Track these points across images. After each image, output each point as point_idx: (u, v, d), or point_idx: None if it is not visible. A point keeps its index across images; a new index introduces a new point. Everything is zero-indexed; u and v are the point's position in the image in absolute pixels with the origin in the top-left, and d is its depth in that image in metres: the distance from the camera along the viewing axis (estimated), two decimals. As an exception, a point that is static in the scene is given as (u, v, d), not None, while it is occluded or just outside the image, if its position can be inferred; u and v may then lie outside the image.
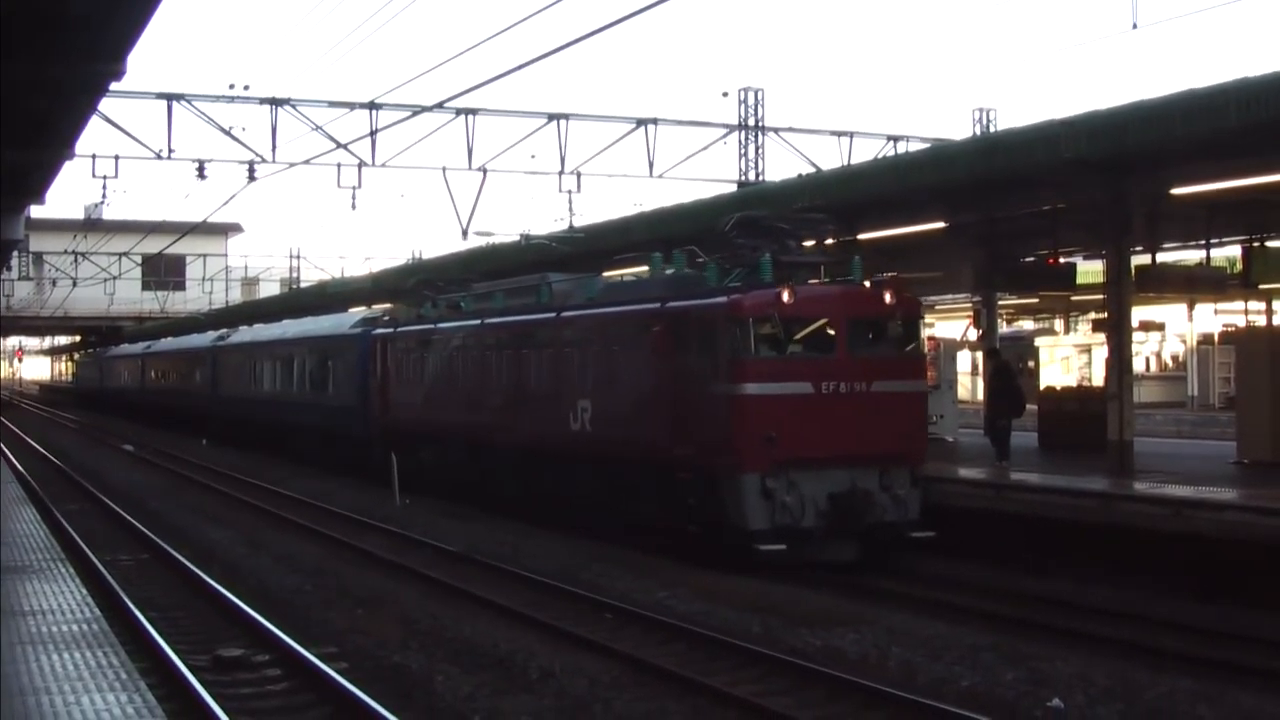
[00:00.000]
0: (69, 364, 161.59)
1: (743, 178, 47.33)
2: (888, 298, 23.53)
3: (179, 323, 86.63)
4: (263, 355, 54.49)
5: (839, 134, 44.56)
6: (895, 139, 45.15)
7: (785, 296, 22.45)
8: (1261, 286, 33.60)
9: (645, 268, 29.36)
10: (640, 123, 41.25)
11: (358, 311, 49.77)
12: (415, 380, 36.44)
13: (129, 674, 13.28)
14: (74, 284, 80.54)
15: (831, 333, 23.23)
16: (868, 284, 24.54)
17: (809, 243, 26.59)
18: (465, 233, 43.47)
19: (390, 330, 38.84)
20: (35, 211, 35.49)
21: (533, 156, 42.66)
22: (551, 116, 40.43)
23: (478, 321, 33.02)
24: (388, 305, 45.93)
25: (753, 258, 24.46)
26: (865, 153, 43.81)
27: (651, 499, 24.78)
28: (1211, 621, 18.32)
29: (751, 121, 49.00)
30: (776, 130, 45.89)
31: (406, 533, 28.02)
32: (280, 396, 51.31)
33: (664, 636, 18.07)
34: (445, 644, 17.58)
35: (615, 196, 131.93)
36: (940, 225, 29.22)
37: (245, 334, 61.93)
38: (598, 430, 26.65)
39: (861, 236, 30.63)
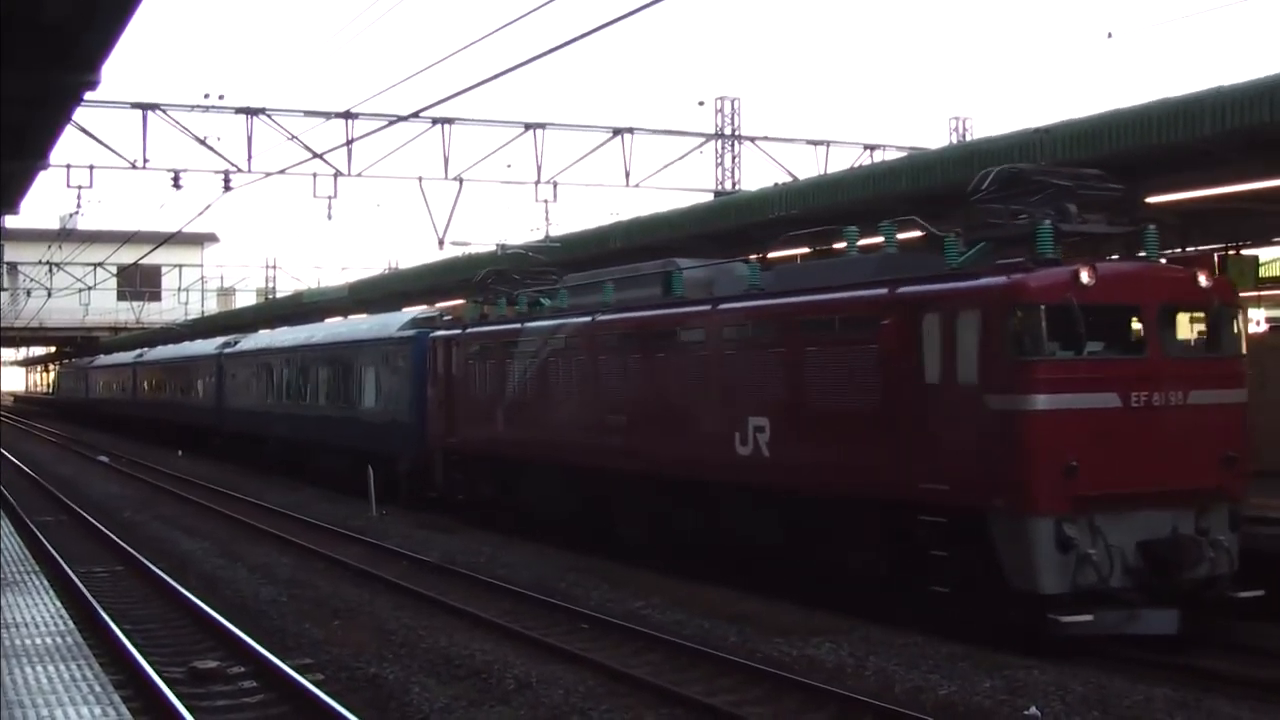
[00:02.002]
0: (46, 374, 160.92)
1: (719, 187, 47.41)
2: (1202, 280, 18.56)
3: (174, 329, 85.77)
4: (283, 363, 48.07)
5: (815, 143, 44.62)
6: (872, 148, 45.23)
7: (1084, 276, 17.24)
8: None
9: (796, 250, 26.06)
10: (616, 132, 41.28)
11: (407, 311, 42.30)
12: (493, 392, 30.20)
13: (103, 687, 13.25)
14: (49, 294, 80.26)
15: (1138, 326, 18.46)
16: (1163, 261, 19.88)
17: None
18: (441, 242, 43.50)
19: (456, 332, 32.91)
20: (9, 221, 35.43)
21: (509, 166, 42.46)
22: (528, 126, 40.46)
23: (586, 319, 26.75)
24: (443, 304, 40.52)
25: (1016, 227, 19.02)
26: (842, 162, 43.86)
27: (870, 547, 19.33)
28: None
29: (728, 130, 49.10)
30: (753, 139, 45.94)
31: (382, 544, 27.99)
32: (303, 410, 45.21)
33: (640, 646, 18.07)
34: (421, 655, 17.54)
35: (591, 206, 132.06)
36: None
37: (259, 339, 56.05)
38: (782, 456, 20.84)
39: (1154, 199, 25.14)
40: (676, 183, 73.67)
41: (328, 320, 52.98)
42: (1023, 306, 17.21)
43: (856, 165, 42.25)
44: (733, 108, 49.91)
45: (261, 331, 61.23)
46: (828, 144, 44.50)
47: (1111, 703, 14.37)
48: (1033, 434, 16.92)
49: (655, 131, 42.69)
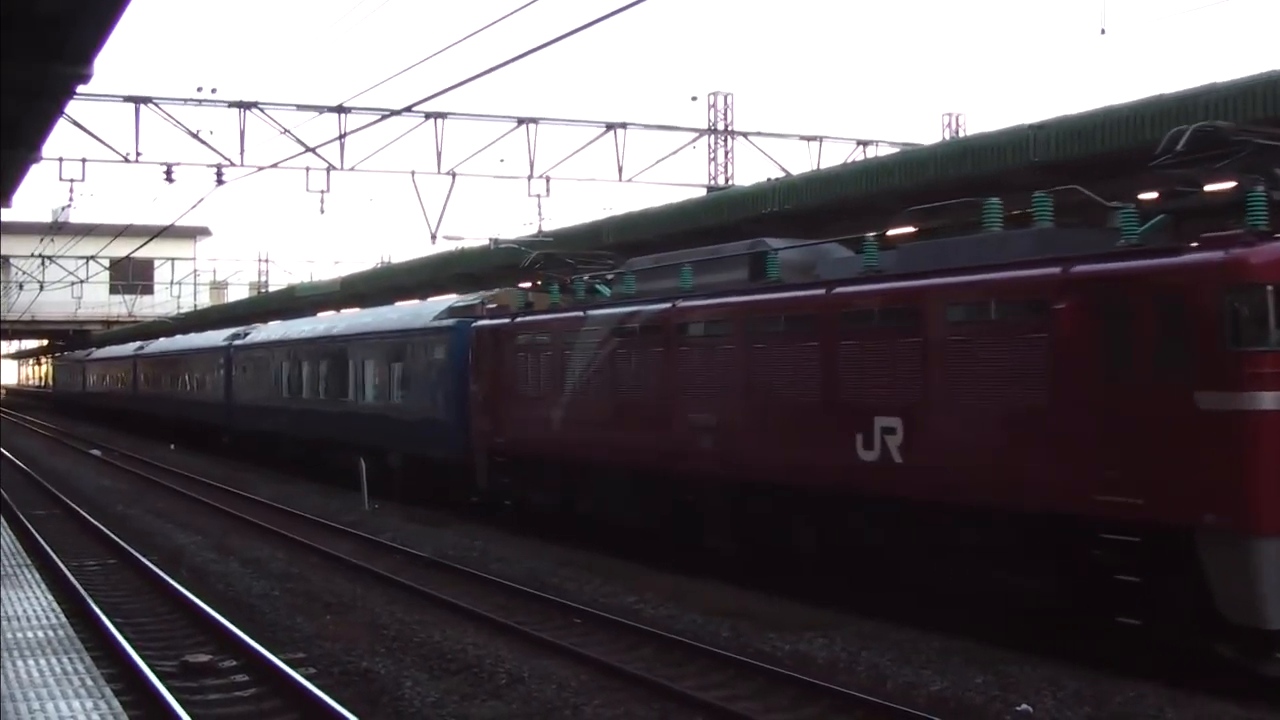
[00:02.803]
0: (38, 367, 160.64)
1: (712, 182, 47.41)
2: None
3: (180, 320, 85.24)
4: (302, 355, 45.18)
5: (808, 138, 44.60)
6: (865, 143, 45.21)
7: None
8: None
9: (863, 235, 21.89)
10: (609, 127, 41.20)
11: (442, 299, 38.77)
12: (550, 387, 27.23)
13: (95, 680, 13.24)
14: (41, 287, 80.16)
15: None
16: None
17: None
18: (434, 237, 43.43)
19: (504, 321, 29.74)
20: (1, 215, 35.32)
21: (501, 160, 42.38)
22: (521, 120, 40.39)
23: (663, 306, 23.75)
24: (482, 292, 35.96)
25: (1214, 196, 17.07)
26: (835, 157, 43.86)
27: (1033, 569, 16.75)
28: None
29: (721, 126, 49.10)
30: (746, 134, 45.91)
31: (375, 538, 27.97)
32: (325, 406, 42.32)
33: (632, 641, 18.07)
34: (413, 649, 17.54)
35: (584, 201, 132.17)
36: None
37: (274, 330, 52.47)
38: (918, 461, 18.08)
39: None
40: (669, 178, 73.60)
41: (346, 311, 49.75)
42: (1244, 287, 14.58)
43: (849, 161, 42.30)
44: (725, 103, 49.93)
45: (275, 322, 57.85)
46: (821, 139, 44.48)
47: (1103, 699, 14.38)
48: (1257, 438, 14.33)
49: (648, 126, 42.64)
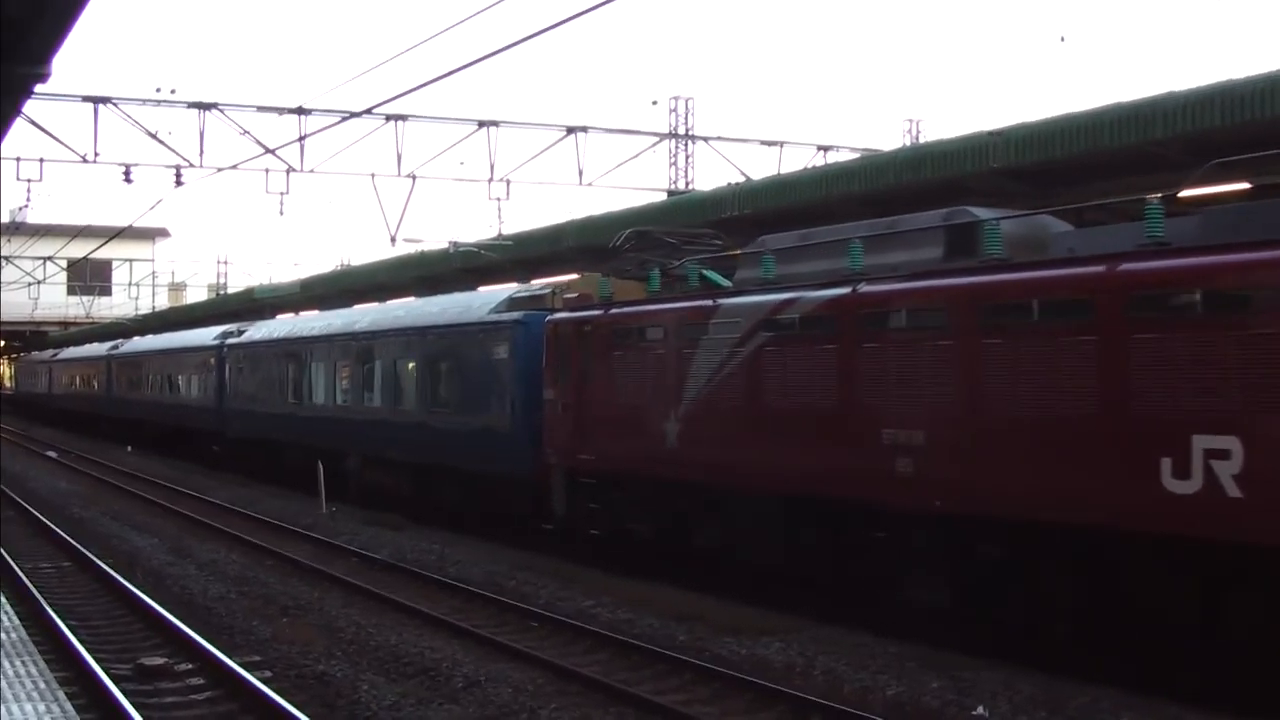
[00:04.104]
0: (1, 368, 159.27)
1: (672, 186, 47.47)
2: None
3: (155, 318, 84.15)
4: (316, 355, 39.84)
5: (769, 143, 44.68)
6: (825, 148, 45.31)
7: None
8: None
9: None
10: (570, 130, 41.20)
11: (495, 289, 33.45)
12: (663, 393, 22.36)
13: (48, 683, 13.17)
14: (-3, 288, 79.67)
15: None
16: None
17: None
18: (394, 239, 43.38)
19: (594, 313, 24.79)
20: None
21: (461, 163, 42.19)
22: (481, 123, 40.34)
23: (836, 292, 18.91)
24: (549, 280, 31.66)
25: None
26: (795, 162, 43.94)
27: None
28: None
29: (681, 130, 49.16)
30: (706, 139, 45.99)
31: (332, 541, 27.92)
32: (345, 413, 37.06)
33: (590, 645, 18.08)
34: (370, 652, 17.49)
35: (544, 205, 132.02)
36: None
37: (278, 327, 46.81)
38: (1271, 499, 13.47)
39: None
40: (630, 182, 73.67)
41: (364, 306, 43.74)
42: None
43: (810, 166, 42.42)
44: (686, 107, 49.97)
45: (280, 318, 52.83)
46: (781, 144, 44.56)
47: (1059, 703, 14.40)
48: None
49: (609, 130, 42.66)
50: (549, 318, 26.38)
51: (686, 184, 47.61)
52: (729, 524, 21.26)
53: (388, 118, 38.34)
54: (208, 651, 16.90)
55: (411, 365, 33.01)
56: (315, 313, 49.63)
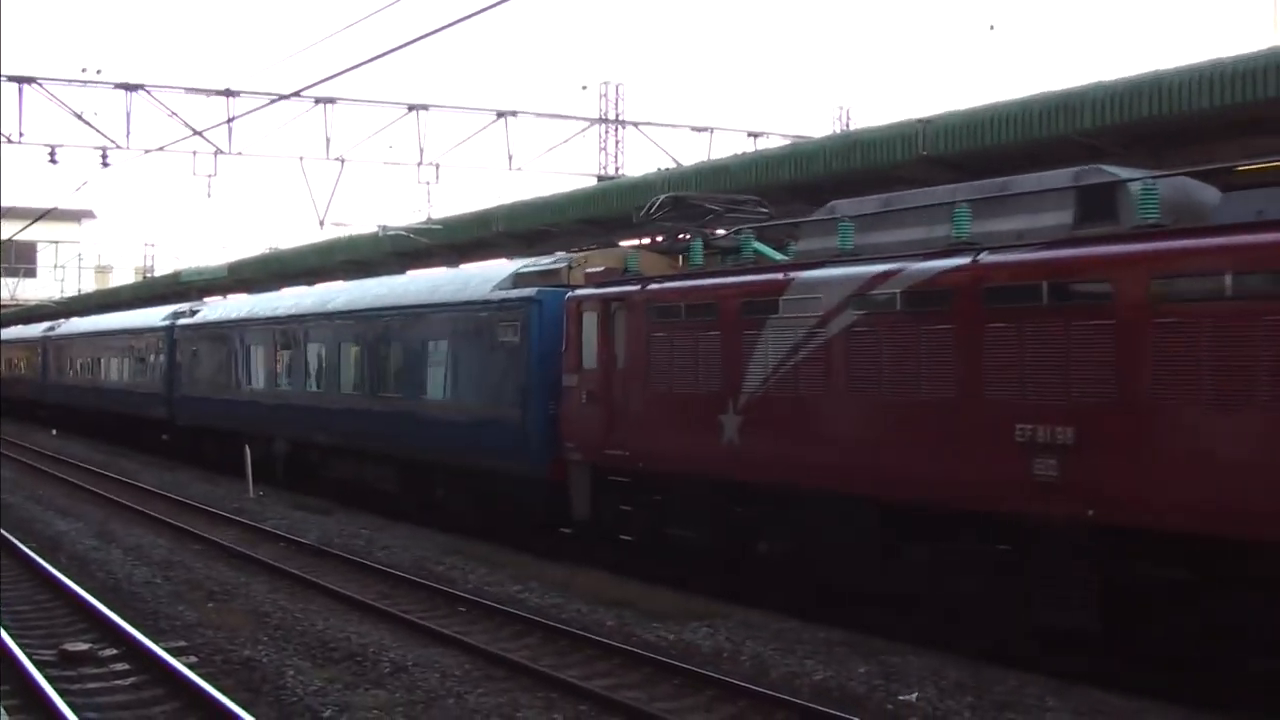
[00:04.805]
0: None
1: (602, 171, 47.49)
2: None
3: (108, 296, 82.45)
4: (283, 337, 36.20)
5: (699, 129, 44.75)
6: (755, 135, 45.42)
7: None
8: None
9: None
10: (500, 114, 41.15)
11: (495, 265, 30.75)
12: (716, 379, 19.69)
13: (-31, 669, 13.03)
14: (-82, 270, 78.79)
15: None
16: None
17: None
18: (322, 223, 43.21)
19: (628, 289, 21.91)
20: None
21: (390, 147, 41.96)
22: (411, 107, 40.25)
23: (950, 262, 16.29)
24: (562, 253, 27.58)
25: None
26: (726, 148, 44.00)
27: None
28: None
29: (611, 115, 49.16)
30: (636, 124, 46.02)
31: (259, 525, 27.75)
32: (317, 401, 33.63)
33: (518, 630, 18.04)
34: (297, 638, 17.40)
35: (474, 189, 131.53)
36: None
37: (237, 306, 42.78)
38: None
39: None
40: (560, 167, 73.49)
41: (345, 284, 39.22)
42: None
43: (740, 153, 42.52)
44: (616, 92, 49.98)
45: (237, 297, 50.06)
46: (711, 130, 44.64)
47: (986, 688, 14.49)
48: None
49: (539, 115, 42.63)
50: (570, 294, 23.34)
51: (616, 169, 47.62)
52: (804, 532, 18.52)
53: (317, 100, 38.21)
54: (132, 637, 16.74)
55: (399, 348, 29.71)
56: (283, 290, 46.34)
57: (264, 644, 16.96)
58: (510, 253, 37.11)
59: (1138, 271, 14.27)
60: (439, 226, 41.55)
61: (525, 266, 26.47)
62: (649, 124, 45.16)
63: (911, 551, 16.82)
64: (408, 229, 41.36)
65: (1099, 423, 14.36)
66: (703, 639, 17.07)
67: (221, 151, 38.63)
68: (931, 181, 20.99)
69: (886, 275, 17.05)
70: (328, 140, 39.29)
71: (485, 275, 27.75)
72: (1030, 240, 15.80)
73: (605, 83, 50.00)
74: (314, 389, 34.03)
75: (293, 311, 36.26)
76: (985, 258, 15.93)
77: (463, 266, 34.51)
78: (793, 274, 18.72)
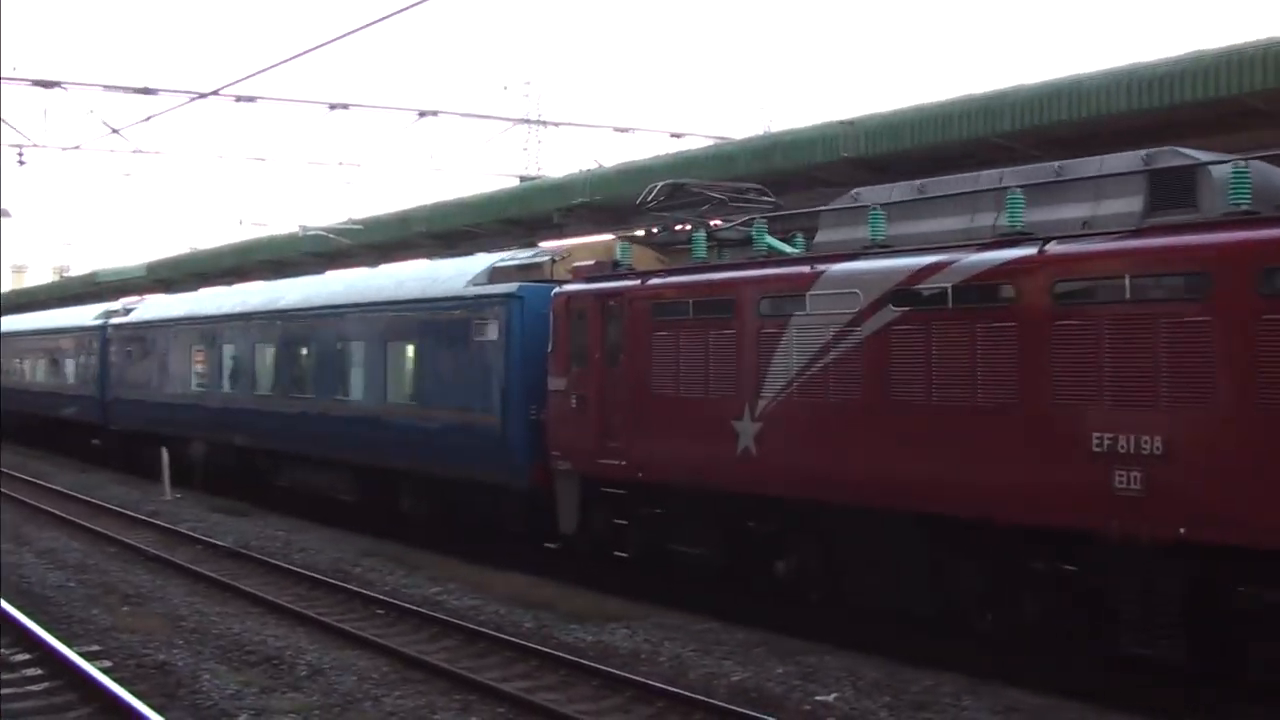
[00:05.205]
0: None
1: (524, 171, 47.48)
2: None
3: (8, 298, 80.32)
4: (230, 337, 34.11)
5: (621, 130, 44.74)
6: (678, 135, 45.43)
7: None
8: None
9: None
10: (421, 114, 40.99)
11: (470, 260, 26.93)
12: (731, 383, 18.09)
13: (-124, 675, 12.85)
14: None
15: None
16: None
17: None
18: (241, 222, 42.92)
19: (627, 284, 20.39)
20: None
21: (312, 146, 41.61)
22: (332, 106, 40.01)
23: (1022, 252, 14.78)
24: (548, 244, 27.29)
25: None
26: (648, 149, 44.01)
27: None
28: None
29: (533, 116, 49.17)
30: (558, 124, 46.00)
31: (176, 528, 27.53)
32: (269, 404, 31.63)
33: (435, 632, 17.96)
34: (212, 641, 17.26)
35: (395, 188, 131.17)
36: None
37: (176, 305, 40.37)
38: None
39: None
40: (481, 166, 73.44)
41: (294, 281, 36.61)
42: None
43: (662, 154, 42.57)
44: (538, 93, 49.97)
45: (177, 295, 46.24)
46: (633, 131, 44.63)
47: (902, 688, 14.56)
48: None
49: (461, 115, 42.51)
50: (558, 290, 21.78)
51: (538, 169, 47.61)
52: (835, 552, 17.26)
53: (237, 98, 37.89)
54: (45, 642, 16.57)
55: (361, 348, 27.82)
56: (232, 286, 44.23)
57: (179, 648, 16.83)
58: (431, 253, 36.99)
59: (1244, 263, 12.86)
60: (359, 227, 41.39)
61: (503, 260, 24.77)
62: (571, 124, 45.16)
63: (964, 572, 15.53)
64: (328, 229, 41.15)
65: (1195, 431, 12.97)
66: (621, 640, 17.06)
67: (140, 150, 38.27)
68: (855, 183, 20.91)
69: (935, 268, 15.54)
70: (247, 139, 39.05)
71: (458, 270, 25.81)
72: (1099, 229, 14.52)
73: (528, 83, 49.98)
74: (265, 392, 32.07)
75: (240, 309, 34.27)
76: (1054, 248, 14.49)
77: (435, 260, 32.34)
78: (822, 267, 17.06)
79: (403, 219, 39.94)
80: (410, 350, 26.03)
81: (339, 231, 40.97)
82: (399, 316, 26.39)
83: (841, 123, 25.12)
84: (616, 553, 20.53)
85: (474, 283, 24.26)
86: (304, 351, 30.34)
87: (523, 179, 45.43)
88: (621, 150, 44.69)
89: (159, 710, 13.52)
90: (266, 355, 32.16)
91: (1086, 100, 21.68)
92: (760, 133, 28.72)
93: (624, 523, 20.31)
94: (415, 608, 19.14)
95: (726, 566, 18.88)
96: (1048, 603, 14.60)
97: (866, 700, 14.17)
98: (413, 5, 15.79)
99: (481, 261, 25.39)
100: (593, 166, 37.81)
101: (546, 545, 22.44)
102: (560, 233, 30.58)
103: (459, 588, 20.65)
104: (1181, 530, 12.96)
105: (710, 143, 40.16)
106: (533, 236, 32.54)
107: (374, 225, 41.47)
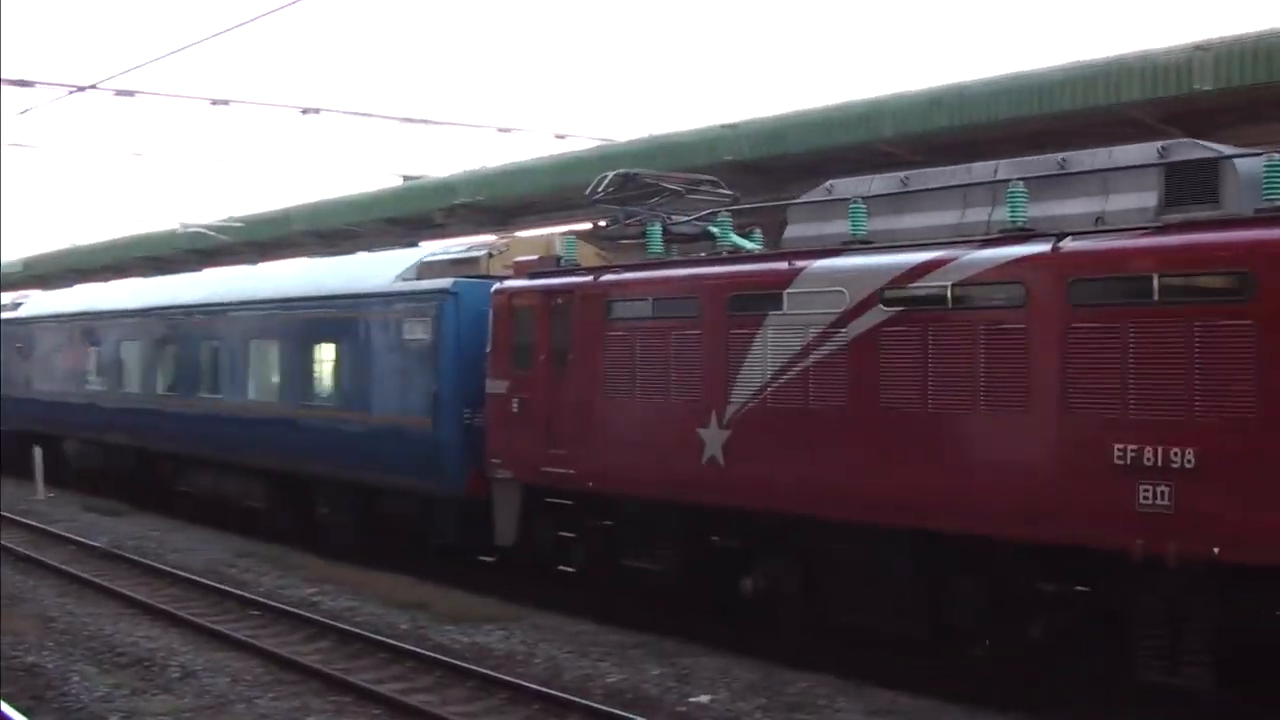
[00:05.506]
0: None
1: (406, 171, 47.35)
2: None
3: None
4: (133, 334, 32.17)
5: (504, 130, 44.71)
6: (562, 136, 45.44)
7: None
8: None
9: None
10: (304, 111, 40.73)
11: (403, 253, 25.64)
12: (690, 388, 16.79)
13: None
14: None
15: None
16: None
17: None
18: (123, 218, 42.48)
19: (578, 280, 18.97)
20: None
21: (192, 140, 41.11)
22: (214, 101, 39.66)
23: (1034, 249, 13.63)
24: (479, 239, 25.29)
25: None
26: (530, 149, 43.99)
27: None
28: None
29: (416, 115, 49.05)
30: (441, 124, 45.90)
31: (48, 528, 27.19)
32: (174, 405, 29.62)
33: (311, 634, 17.83)
34: (84, 642, 17.06)
35: (277, 186, 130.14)
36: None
37: (69, 299, 38.64)
38: None
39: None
40: (364, 165, 73.10)
41: (191, 275, 35.36)
42: None
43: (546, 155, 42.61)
44: (421, 93, 49.79)
45: (70, 289, 43.03)
46: (516, 131, 44.63)
47: (777, 689, 14.62)
48: None
49: (344, 113, 42.35)
50: (499, 286, 20.23)
51: (420, 169, 47.50)
52: (813, 569, 15.99)
53: (117, 92, 37.47)
54: (-90, 643, 16.33)
55: (276, 346, 26.14)
56: (136, 280, 41.02)
57: (50, 649, 16.61)
58: (312, 252, 36.75)
59: None
60: (240, 224, 41.04)
61: (433, 254, 23.50)
62: (454, 124, 45.04)
63: (961, 593, 14.45)
64: (208, 226, 40.76)
65: (1235, 442, 11.92)
66: (497, 641, 17.03)
67: (18, 144, 37.82)
68: (737, 184, 20.80)
69: (933, 265, 14.33)
70: (128, 134, 38.59)
71: (384, 264, 24.29)
72: (1114, 225, 13.55)
73: (411, 82, 49.75)
74: (168, 392, 30.17)
75: (144, 304, 32.21)
76: (1070, 244, 13.38)
77: (361, 254, 30.18)
78: (802, 263, 15.75)
79: (284, 217, 39.67)
80: (331, 349, 24.29)
81: (219, 229, 40.59)
82: (319, 313, 24.69)
83: (724, 126, 25.23)
84: (561, 567, 19.34)
85: (403, 277, 22.92)
86: (213, 350, 28.48)
87: (405, 178, 45.35)
88: (505, 150, 44.53)
89: (26, 713, 13.40)
90: (170, 353, 30.47)
91: (969, 108, 21.95)
92: (643, 135, 28.72)
93: (570, 535, 18.99)
94: (291, 609, 18.99)
95: (686, 583, 17.53)
96: (1055, 626, 13.57)
97: (741, 702, 14.21)
98: (291, 3, 15.69)
99: (410, 255, 24.15)
100: (475, 167, 37.84)
101: (482, 559, 21.50)
102: (443, 232, 30.44)
103: (335, 589, 20.53)
104: (1216, 550, 11.95)
105: (595, 144, 40.30)
106: (414, 236, 32.43)
107: (255, 223, 41.14)
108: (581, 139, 44.48)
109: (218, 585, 20.76)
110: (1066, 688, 13.59)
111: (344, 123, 42.64)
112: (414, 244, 28.53)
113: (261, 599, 19.73)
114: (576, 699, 14.13)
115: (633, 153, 27.68)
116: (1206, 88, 19.60)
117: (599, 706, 13.82)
